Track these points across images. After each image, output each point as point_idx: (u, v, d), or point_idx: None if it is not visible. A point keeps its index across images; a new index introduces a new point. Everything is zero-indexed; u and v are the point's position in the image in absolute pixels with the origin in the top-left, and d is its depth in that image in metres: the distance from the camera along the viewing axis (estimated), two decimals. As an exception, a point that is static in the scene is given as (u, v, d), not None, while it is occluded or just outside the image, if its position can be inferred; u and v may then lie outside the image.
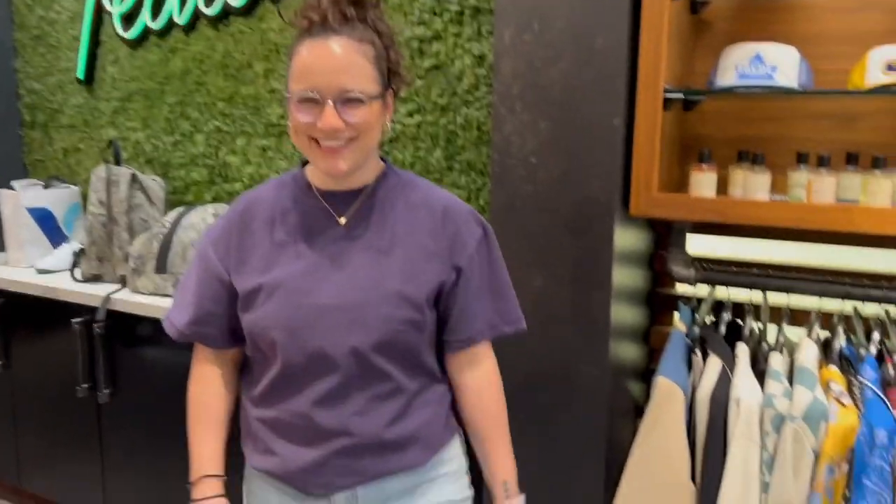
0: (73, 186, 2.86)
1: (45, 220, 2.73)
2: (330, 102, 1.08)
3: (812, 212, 1.48)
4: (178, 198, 2.76)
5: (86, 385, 2.38)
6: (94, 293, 2.32)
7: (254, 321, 1.18)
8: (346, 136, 1.11)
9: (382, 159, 1.26)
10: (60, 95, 2.98)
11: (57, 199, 2.77)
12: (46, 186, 2.79)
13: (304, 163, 1.26)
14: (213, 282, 1.22)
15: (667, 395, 1.51)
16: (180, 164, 2.74)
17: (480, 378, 1.29)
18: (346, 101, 1.09)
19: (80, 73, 2.87)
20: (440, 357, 1.28)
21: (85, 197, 2.88)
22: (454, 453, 1.30)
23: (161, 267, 2.29)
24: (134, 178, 2.48)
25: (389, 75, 1.16)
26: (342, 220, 1.19)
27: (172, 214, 2.37)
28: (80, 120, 2.96)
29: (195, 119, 2.67)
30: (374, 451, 1.19)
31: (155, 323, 2.22)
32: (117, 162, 2.53)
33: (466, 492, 1.32)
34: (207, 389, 1.28)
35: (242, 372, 1.30)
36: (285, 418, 1.19)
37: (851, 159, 1.53)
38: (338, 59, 1.08)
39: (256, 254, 1.20)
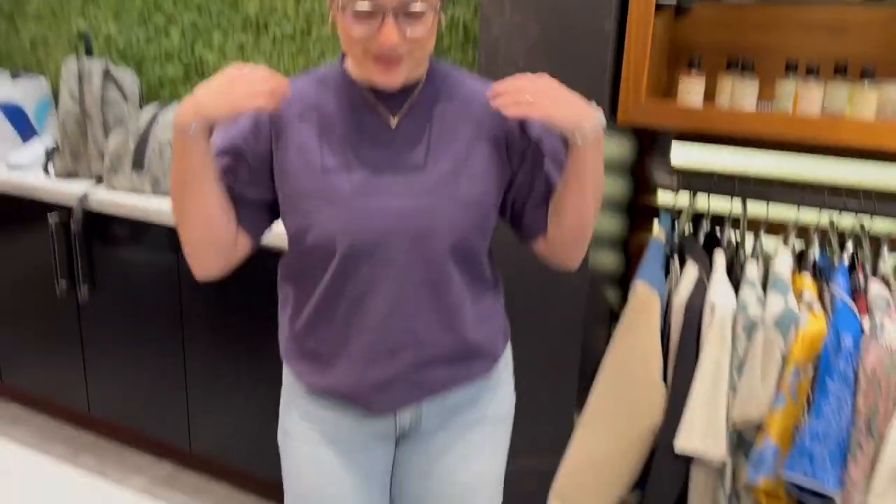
0: (41, 77, 2.76)
1: (14, 114, 2.64)
2: (391, 17, 0.99)
3: (798, 123, 1.48)
4: (153, 94, 2.68)
5: (64, 283, 2.38)
6: (69, 191, 2.28)
7: (310, 225, 1.10)
8: (403, 52, 1.03)
9: None
10: (25, -18, 2.84)
11: (26, 93, 2.68)
12: (13, 76, 2.69)
13: (344, 54, 1.16)
14: (243, 163, 1.12)
15: (644, 300, 1.54)
16: (154, 58, 2.65)
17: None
18: (408, 13, 1.00)
19: (45, -42, 2.72)
20: (491, 256, 1.25)
21: (55, 92, 2.79)
22: (508, 358, 1.31)
23: (138, 164, 2.25)
24: (107, 73, 2.40)
25: None
26: (393, 121, 1.12)
27: (149, 110, 2.31)
28: (47, 10, 2.82)
29: (169, 12, 2.57)
30: (441, 363, 1.17)
31: (133, 222, 2.20)
32: (88, 54, 2.44)
33: (514, 397, 1.33)
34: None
35: (286, 289, 1.22)
36: (347, 334, 1.14)
37: (840, 70, 1.52)
38: None
39: (303, 153, 1.11)
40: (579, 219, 1.16)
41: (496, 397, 1.28)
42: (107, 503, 2.31)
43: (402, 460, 1.28)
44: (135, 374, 2.38)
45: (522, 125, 1.15)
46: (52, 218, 2.31)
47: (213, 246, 1.12)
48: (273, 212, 1.18)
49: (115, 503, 2.31)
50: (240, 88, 1.00)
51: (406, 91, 1.12)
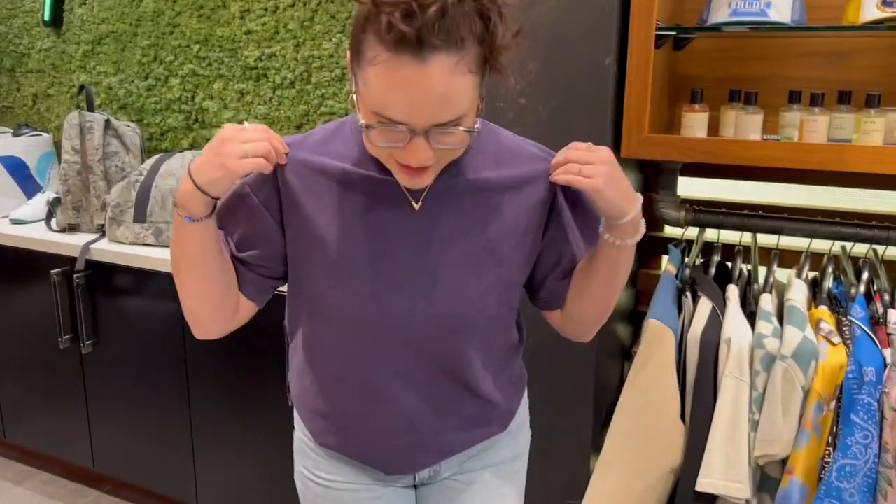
0: (44, 134, 2.77)
1: (17, 169, 2.65)
2: (421, 136, 0.86)
3: (804, 151, 1.46)
4: (155, 144, 2.69)
5: (67, 336, 2.35)
6: (71, 243, 2.27)
7: (320, 305, 1.04)
8: (435, 160, 0.91)
9: None
10: (27, 39, 2.87)
11: (28, 147, 2.69)
12: (16, 134, 2.70)
13: None
14: (254, 220, 1.03)
15: (658, 337, 1.51)
16: (155, 109, 2.66)
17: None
18: (440, 126, 0.86)
19: (46, 15, 2.76)
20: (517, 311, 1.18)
21: (58, 145, 2.80)
22: (525, 401, 1.28)
23: (140, 216, 2.23)
24: (108, 124, 2.40)
25: (490, 55, 0.87)
26: (417, 205, 1.01)
27: (150, 161, 2.31)
28: (48, 64, 2.85)
29: (169, 63, 2.58)
30: (462, 428, 1.14)
31: (136, 272, 2.19)
32: (90, 107, 2.45)
33: (529, 432, 1.31)
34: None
35: (294, 339, 1.16)
36: (361, 407, 1.09)
37: (844, 98, 1.51)
38: (436, 90, 0.82)
39: (317, 225, 1.01)
40: (604, 302, 1.10)
41: (511, 441, 1.25)
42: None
43: (422, 500, 1.26)
44: (139, 428, 2.34)
45: (563, 192, 1.06)
46: (55, 272, 2.30)
47: (211, 312, 1.05)
48: (279, 276, 1.10)
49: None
50: (231, 150, 0.91)
51: None
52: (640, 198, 1.01)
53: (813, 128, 1.50)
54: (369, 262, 1.01)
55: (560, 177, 0.99)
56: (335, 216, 1.01)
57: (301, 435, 1.22)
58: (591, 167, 0.96)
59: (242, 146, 0.92)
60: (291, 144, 1.03)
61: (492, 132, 1.07)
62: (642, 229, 1.03)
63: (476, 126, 0.91)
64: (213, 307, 1.05)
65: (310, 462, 1.20)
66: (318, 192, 1.01)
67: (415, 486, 1.24)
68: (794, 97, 1.55)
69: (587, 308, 1.11)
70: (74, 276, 2.25)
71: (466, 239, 1.02)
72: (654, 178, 1.79)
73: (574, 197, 1.08)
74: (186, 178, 0.94)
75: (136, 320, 2.24)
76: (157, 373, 2.24)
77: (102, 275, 2.26)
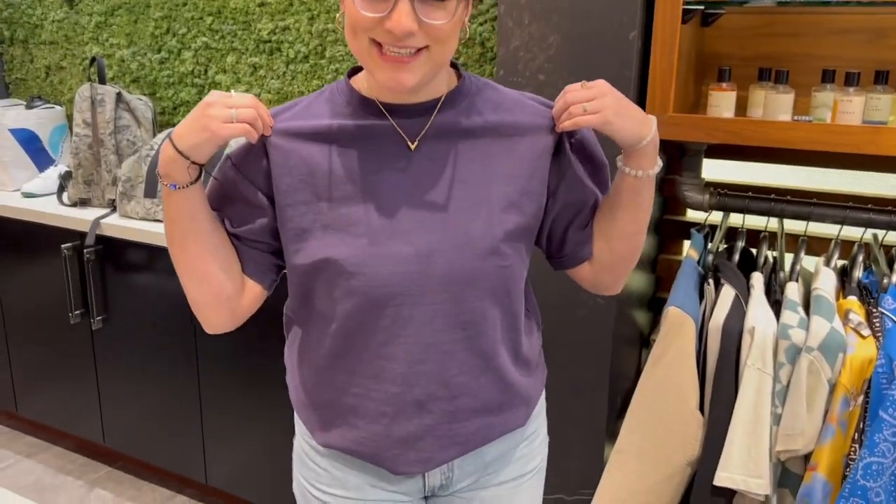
0: (57, 106, 2.74)
1: (29, 141, 2.62)
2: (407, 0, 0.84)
3: (837, 133, 1.39)
4: (167, 119, 2.65)
5: (78, 312, 2.33)
6: (82, 217, 2.25)
7: (317, 266, 0.97)
8: (417, 44, 0.88)
9: (454, 65, 1.02)
10: (40, 10, 2.83)
11: (41, 120, 2.66)
12: (29, 107, 2.67)
13: (351, 72, 1.03)
14: (237, 205, 1.00)
15: (677, 325, 1.45)
16: (168, 83, 2.62)
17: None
18: None
19: (59, -15, 2.71)
20: (528, 284, 1.13)
21: (70, 118, 2.77)
22: (542, 405, 1.17)
23: (151, 191, 2.20)
24: (119, 98, 2.36)
25: None
26: (413, 145, 0.97)
27: (161, 136, 2.27)
28: (61, 36, 2.81)
29: (182, 35, 2.54)
30: (477, 414, 1.03)
31: (147, 248, 2.16)
32: (101, 80, 2.41)
33: (546, 449, 1.20)
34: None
35: (292, 332, 1.10)
36: (366, 386, 1.00)
37: (881, 77, 1.43)
38: None
39: (308, 183, 0.96)
40: (634, 239, 1.06)
41: (532, 450, 1.14)
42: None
43: None
44: (149, 403, 2.32)
45: (570, 136, 1.02)
46: (66, 246, 2.27)
47: (215, 301, 1.01)
48: (279, 252, 1.05)
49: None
50: (217, 113, 0.89)
51: (428, 107, 0.98)
52: (653, 118, 0.98)
53: (847, 109, 1.43)
54: (367, 211, 0.96)
55: (566, 123, 0.96)
56: (328, 175, 0.97)
57: (301, 442, 1.13)
58: (594, 102, 0.93)
59: (228, 110, 0.90)
60: (277, 114, 0.99)
61: (490, 85, 1.04)
62: (660, 162, 1.01)
63: (465, 26, 0.92)
64: (215, 293, 1.00)
65: (310, 474, 1.11)
66: (310, 154, 0.97)
67: (425, 499, 1.14)
68: (827, 76, 1.48)
69: (617, 248, 1.07)
70: (85, 251, 2.22)
71: (469, 182, 0.97)
72: (677, 159, 1.73)
73: (578, 145, 1.04)
74: (168, 144, 0.92)
75: (146, 296, 2.21)
76: (166, 349, 2.22)
77: (113, 250, 2.23)
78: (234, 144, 1.04)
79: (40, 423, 2.74)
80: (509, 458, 1.11)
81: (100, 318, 2.31)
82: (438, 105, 0.98)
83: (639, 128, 0.96)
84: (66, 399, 2.52)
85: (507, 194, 0.99)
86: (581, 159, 1.04)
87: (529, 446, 1.14)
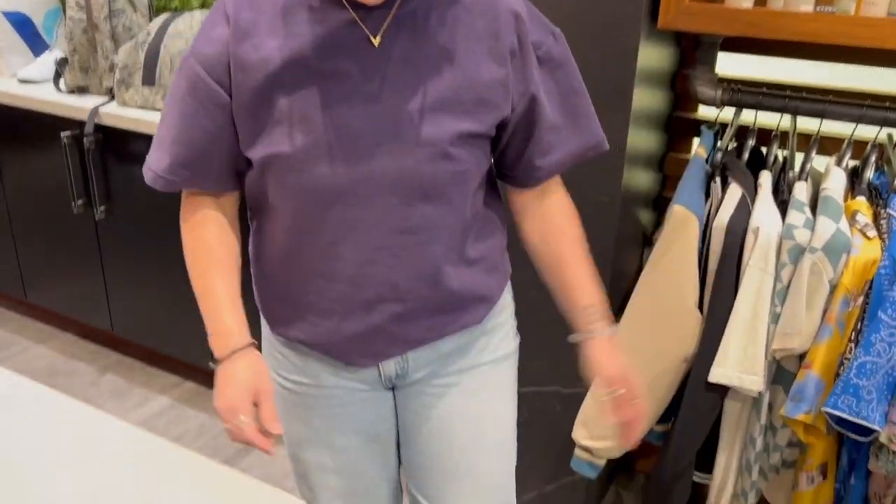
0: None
1: (22, 25, 2.54)
2: None
3: (861, 25, 1.32)
4: (163, 3, 2.55)
5: (80, 201, 2.33)
6: (81, 106, 2.20)
7: (269, 159, 0.95)
8: None
9: None
10: None
11: (34, 3, 2.56)
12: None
13: None
14: (204, 107, 0.96)
15: (682, 223, 1.44)
16: (164, -35, 2.51)
17: (552, 206, 1.11)
18: None
19: None
20: (494, 184, 1.11)
21: (64, 2, 2.67)
22: (508, 299, 1.16)
23: (149, 79, 2.15)
24: (113, -21, 2.27)
25: None
26: (376, 40, 0.92)
27: (157, 21, 2.19)
28: (51, -88, 2.67)
29: (177, -88, 2.41)
30: (426, 315, 1.03)
31: (146, 138, 2.12)
32: (94, -40, 2.30)
33: (517, 340, 1.20)
34: (207, 235, 1.04)
35: (253, 218, 1.08)
36: (318, 284, 1.01)
37: (912, -35, 1.35)
38: None
39: (264, 71, 0.93)
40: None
41: (491, 343, 1.14)
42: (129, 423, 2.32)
43: (399, 407, 1.17)
44: (155, 292, 2.35)
45: (537, 48, 0.99)
46: (65, 135, 2.24)
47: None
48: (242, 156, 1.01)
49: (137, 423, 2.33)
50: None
51: (389, 3, 0.92)
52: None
53: (872, 0, 1.35)
54: (317, 108, 0.92)
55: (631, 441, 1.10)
56: (283, 60, 0.92)
57: (265, 332, 1.15)
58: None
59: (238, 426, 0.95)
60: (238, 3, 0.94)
61: None
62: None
63: None
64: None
65: (274, 362, 1.13)
66: (266, 39, 0.93)
67: (393, 391, 1.15)
68: (855, -37, 1.39)
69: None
70: (84, 139, 2.19)
71: (426, 85, 0.93)
72: (691, 52, 1.66)
73: (547, 57, 1.01)
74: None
75: (148, 187, 2.20)
76: (171, 238, 2.23)
77: (113, 139, 2.20)
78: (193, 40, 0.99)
79: (50, 311, 2.79)
80: (465, 351, 1.12)
81: (102, 207, 2.30)
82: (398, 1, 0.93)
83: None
84: (73, 288, 2.55)
85: (464, 98, 0.95)
86: (550, 78, 1.02)
87: (488, 340, 1.13)
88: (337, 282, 1.00)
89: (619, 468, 2.09)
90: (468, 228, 1.03)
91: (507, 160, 1.08)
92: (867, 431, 1.33)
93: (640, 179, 1.71)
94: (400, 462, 1.22)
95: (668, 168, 1.86)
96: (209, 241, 1.04)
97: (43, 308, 2.79)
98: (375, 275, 0.99)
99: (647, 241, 1.89)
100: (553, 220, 1.11)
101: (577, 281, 1.10)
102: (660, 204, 1.89)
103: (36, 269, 2.63)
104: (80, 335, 2.77)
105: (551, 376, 1.76)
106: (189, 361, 2.43)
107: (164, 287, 2.32)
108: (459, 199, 0.99)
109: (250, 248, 1.11)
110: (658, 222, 1.90)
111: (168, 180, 1.02)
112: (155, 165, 1.02)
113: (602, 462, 1.63)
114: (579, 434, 1.62)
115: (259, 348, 1.04)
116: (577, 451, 1.64)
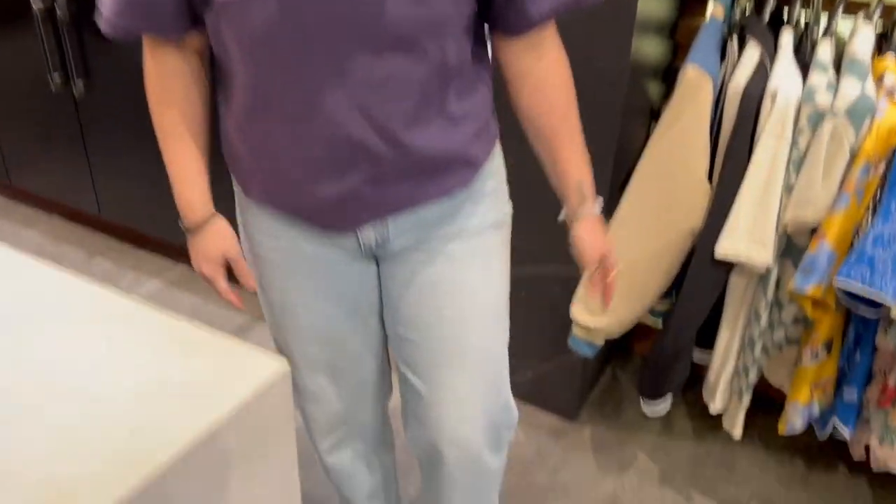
0: None
1: None
2: None
3: None
4: None
5: (57, 74, 2.21)
6: (50, -30, 2.06)
7: (223, 7, 0.86)
8: None
9: None
10: None
11: None
12: None
13: None
14: None
15: (694, 86, 1.34)
16: None
17: (544, 68, 1.00)
18: None
19: None
20: (479, 36, 0.99)
21: None
22: (497, 164, 1.08)
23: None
24: None
25: None
26: None
27: None
28: None
29: None
30: (403, 179, 0.96)
31: (122, 5, 1.99)
32: None
33: (508, 206, 1.12)
34: (171, 89, 0.98)
35: (217, 69, 0.99)
36: (286, 146, 0.93)
37: None
38: None
39: None
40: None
41: (479, 209, 1.06)
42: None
43: (383, 278, 1.11)
44: (141, 173, 2.27)
45: None
46: (36, 4, 2.10)
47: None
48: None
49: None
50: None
51: None
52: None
53: None
54: None
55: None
56: None
57: (237, 191, 1.09)
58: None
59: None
60: None
61: None
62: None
63: None
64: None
65: (250, 226, 1.09)
66: None
67: (377, 264, 1.10)
68: None
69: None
70: (57, 10, 2.05)
71: None
72: None
73: None
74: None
75: (128, 58, 2.08)
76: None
77: (88, 9, 2.06)
78: None
79: (35, 195, 2.71)
80: (452, 218, 1.04)
81: (81, 81, 2.19)
82: None
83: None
84: (57, 170, 2.47)
85: None
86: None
87: (474, 206, 1.06)
88: (304, 143, 0.92)
89: (616, 349, 2.08)
90: (448, 83, 0.93)
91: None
92: (876, 306, 1.28)
93: (650, 47, 1.59)
94: (388, 339, 1.18)
95: (680, 35, 1.73)
96: (172, 97, 1.00)
97: (28, 191, 2.71)
98: (346, 135, 0.90)
99: (655, 115, 1.80)
100: (546, 90, 1.01)
101: (568, 156, 1.05)
102: (669, 75, 1.78)
103: (18, 152, 2.54)
104: (67, 218, 2.71)
105: (549, 255, 1.71)
106: (179, 244, 2.38)
107: (151, 166, 2.23)
108: (436, 49, 0.89)
109: (218, 100, 1.03)
110: (667, 95, 1.80)
111: (122, 26, 0.93)
112: (107, 10, 0.94)
113: (600, 342, 1.60)
114: (577, 310, 1.58)
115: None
116: (575, 329, 1.60)
